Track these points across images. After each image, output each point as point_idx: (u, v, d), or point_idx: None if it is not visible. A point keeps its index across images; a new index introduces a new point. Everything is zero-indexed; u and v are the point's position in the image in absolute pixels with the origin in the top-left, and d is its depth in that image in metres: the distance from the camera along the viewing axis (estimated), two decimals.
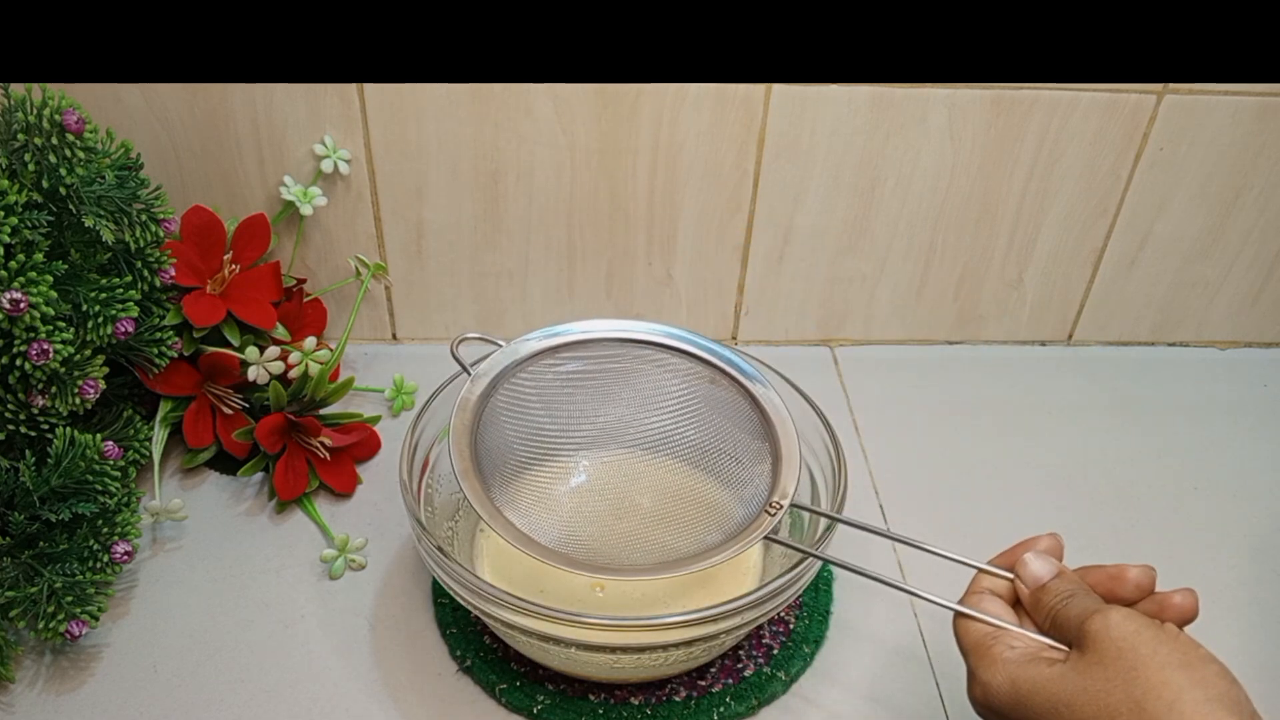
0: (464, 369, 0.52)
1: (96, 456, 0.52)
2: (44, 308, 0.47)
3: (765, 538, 0.48)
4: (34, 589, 0.50)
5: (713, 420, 0.54)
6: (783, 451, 0.51)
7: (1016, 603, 0.43)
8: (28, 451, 0.52)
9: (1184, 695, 0.35)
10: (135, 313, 0.54)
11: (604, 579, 0.47)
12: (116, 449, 0.53)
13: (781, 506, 0.48)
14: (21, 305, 0.46)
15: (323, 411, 0.63)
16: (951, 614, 0.42)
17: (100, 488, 0.52)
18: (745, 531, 0.48)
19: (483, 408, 0.51)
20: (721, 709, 0.51)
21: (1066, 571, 0.42)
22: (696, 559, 0.47)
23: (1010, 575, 0.43)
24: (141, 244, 0.55)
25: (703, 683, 0.53)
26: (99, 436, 0.52)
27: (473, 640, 0.54)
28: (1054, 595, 0.40)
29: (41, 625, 0.50)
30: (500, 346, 0.53)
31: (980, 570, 0.44)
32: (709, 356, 0.54)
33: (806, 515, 0.54)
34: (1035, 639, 0.40)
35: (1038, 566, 0.42)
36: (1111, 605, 0.39)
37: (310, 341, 0.63)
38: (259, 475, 0.64)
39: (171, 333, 0.59)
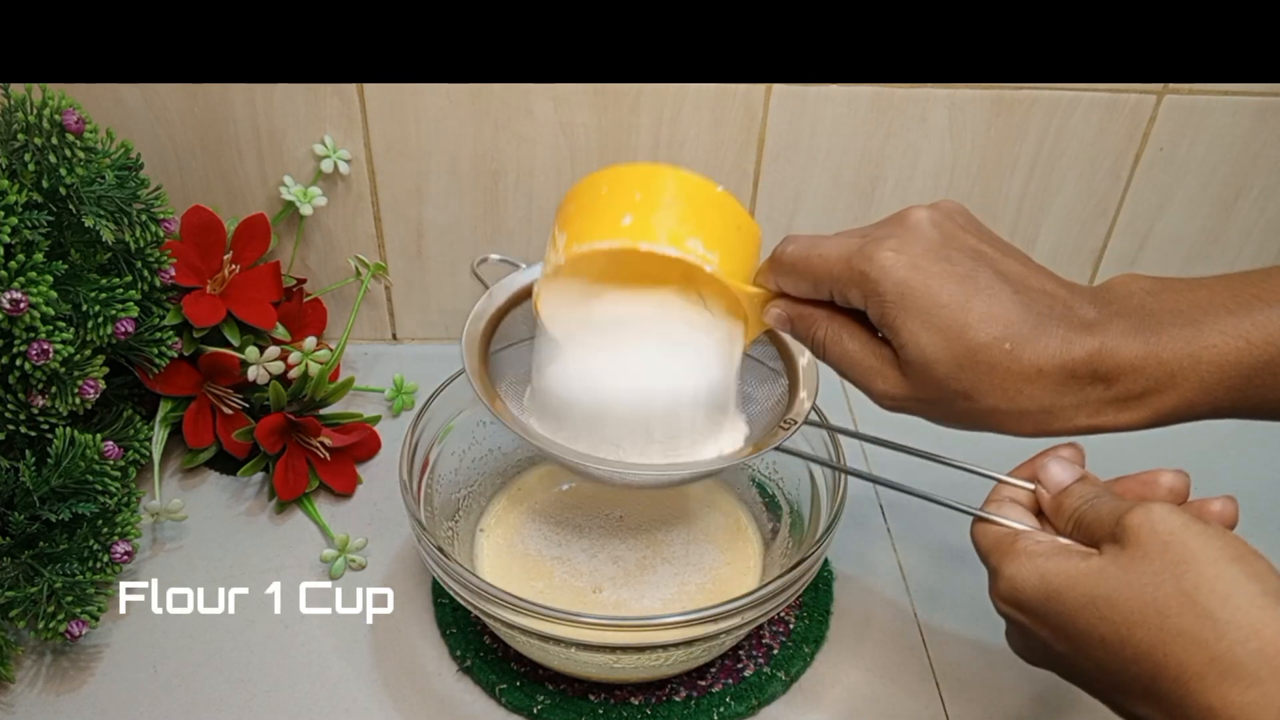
0: (483, 284, 0.52)
1: (96, 456, 0.52)
2: (44, 308, 0.47)
3: (778, 448, 0.47)
4: (34, 589, 0.50)
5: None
6: (799, 375, 0.50)
7: (1038, 513, 0.41)
8: (28, 451, 0.52)
9: (1239, 589, 0.33)
10: (135, 313, 0.54)
11: (613, 472, 0.46)
12: (116, 449, 0.53)
13: (796, 423, 0.48)
14: (21, 305, 0.46)
15: (323, 411, 0.63)
16: (970, 521, 0.41)
17: (100, 488, 0.52)
18: (759, 443, 0.48)
19: (499, 320, 0.51)
20: (721, 709, 0.51)
21: (1090, 475, 0.40)
22: (702, 464, 0.47)
23: (1030, 485, 0.42)
24: (141, 244, 0.55)
25: (703, 683, 0.53)
26: (99, 436, 0.52)
27: (473, 640, 0.54)
28: (1077, 498, 0.39)
29: (41, 625, 0.50)
30: (521, 268, 0.53)
31: (1000, 481, 0.43)
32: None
33: (807, 513, 0.54)
34: (1059, 539, 0.39)
35: (1059, 470, 0.41)
36: (1152, 501, 0.37)
37: (310, 341, 0.63)
38: (259, 475, 0.64)
39: (171, 333, 0.59)
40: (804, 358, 0.51)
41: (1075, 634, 0.36)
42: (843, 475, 0.52)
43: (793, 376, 0.51)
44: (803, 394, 0.49)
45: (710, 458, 0.47)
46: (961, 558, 0.60)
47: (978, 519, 0.41)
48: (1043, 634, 0.37)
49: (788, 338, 0.51)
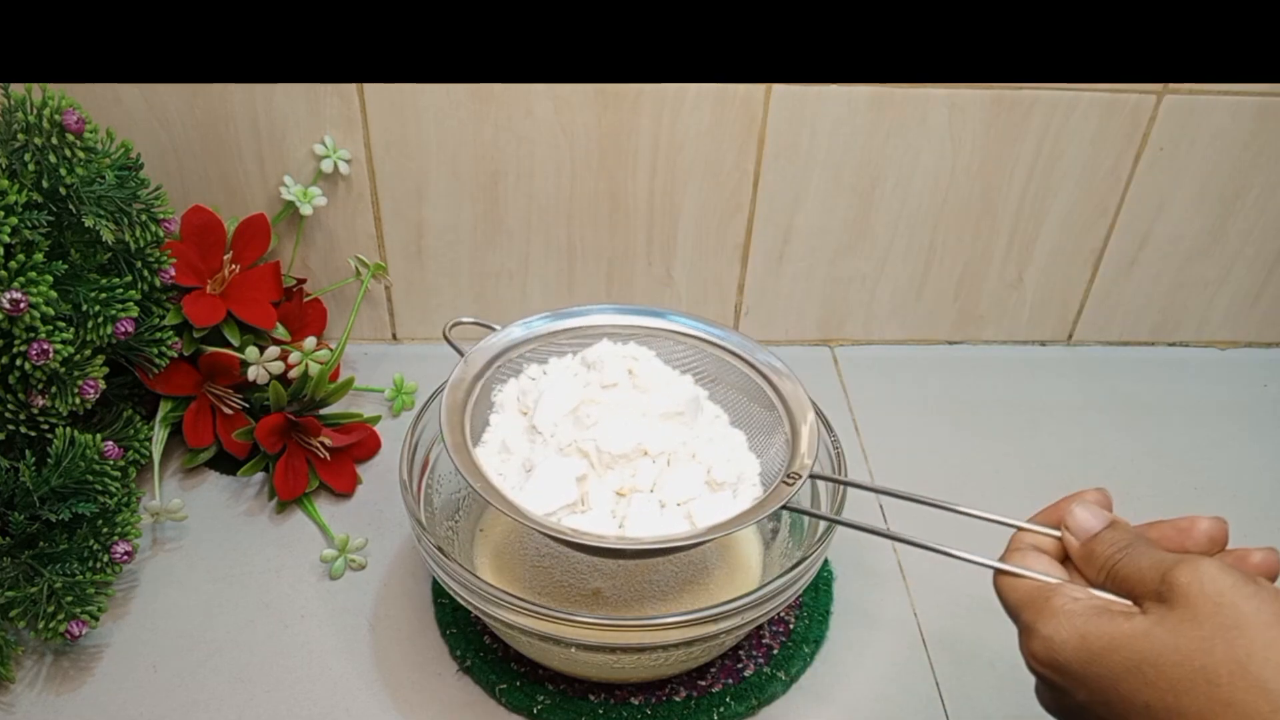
0: (457, 351, 0.51)
1: (96, 456, 0.52)
2: (44, 308, 0.47)
3: (784, 507, 0.46)
4: (34, 589, 0.50)
5: (724, 397, 0.53)
6: (797, 421, 0.50)
7: (1064, 560, 0.39)
8: (28, 451, 0.52)
9: None
10: (135, 313, 0.54)
11: (617, 545, 0.45)
12: (116, 449, 0.53)
13: (800, 476, 0.47)
14: (21, 305, 0.46)
15: (323, 411, 0.63)
16: (991, 574, 0.39)
17: (100, 488, 0.52)
18: (764, 502, 0.47)
19: (474, 388, 0.50)
20: (721, 709, 0.51)
21: (1120, 521, 0.38)
22: (706, 531, 0.46)
23: (1054, 532, 0.39)
24: (141, 244, 0.55)
25: (703, 683, 0.53)
26: (99, 436, 0.52)
27: (473, 640, 0.54)
28: (1109, 545, 0.37)
29: (41, 625, 0.50)
30: (495, 330, 0.52)
31: (1020, 528, 0.40)
32: (713, 338, 0.53)
33: (806, 517, 0.54)
34: (1096, 594, 0.36)
35: (1087, 517, 0.38)
36: (1198, 555, 0.34)
37: (310, 341, 0.63)
38: (259, 475, 0.64)
39: (171, 333, 0.59)
40: (801, 410, 0.50)
41: (1118, 699, 0.34)
42: (844, 475, 0.51)
43: (792, 428, 0.50)
44: (803, 449, 0.48)
45: (711, 524, 0.46)
46: None
47: (1000, 573, 0.38)
48: (1080, 696, 0.35)
49: (785, 390, 0.51)
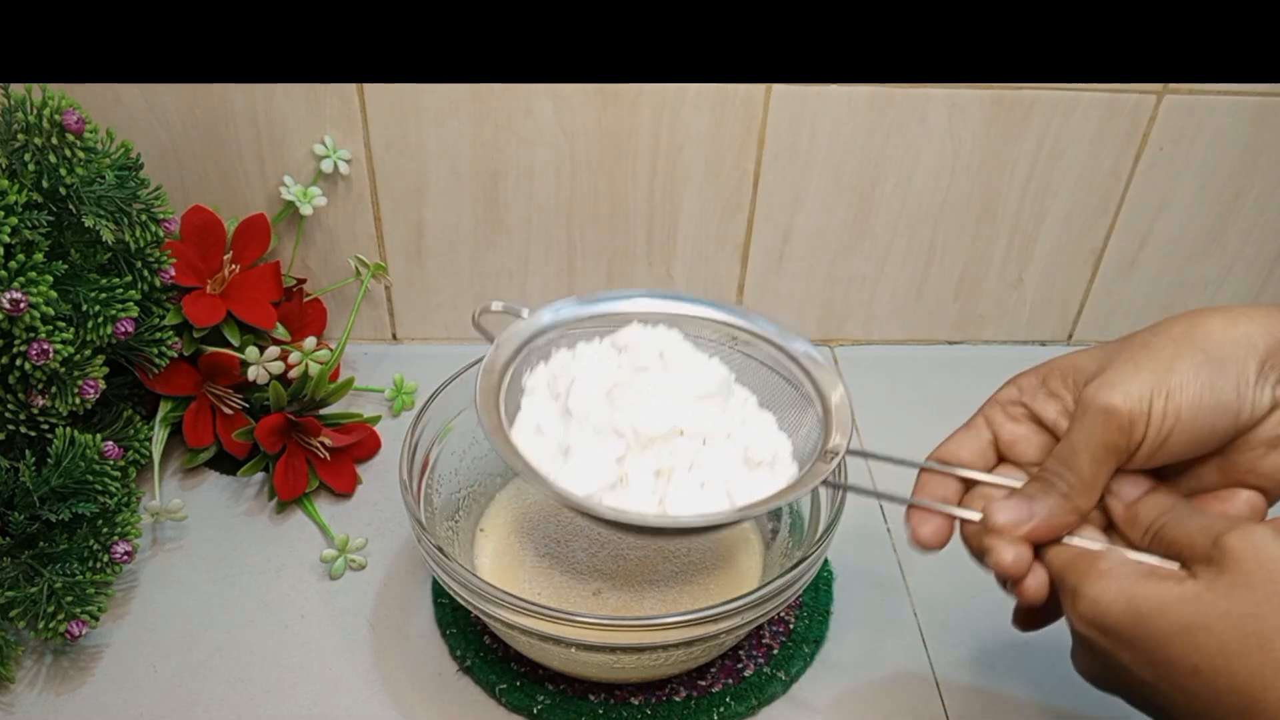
0: (487, 337, 0.51)
1: (96, 456, 0.52)
2: (44, 308, 0.47)
3: (824, 482, 0.46)
4: (34, 589, 0.50)
5: (752, 379, 0.53)
6: (829, 400, 0.49)
7: (1106, 528, 0.40)
8: (28, 451, 0.52)
9: None
10: (135, 313, 0.54)
11: (660, 524, 0.45)
12: (116, 449, 0.53)
13: (837, 453, 0.47)
14: (21, 305, 0.46)
15: (323, 411, 0.63)
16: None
17: (100, 488, 0.52)
18: (804, 478, 0.47)
19: (506, 372, 0.50)
20: (721, 709, 0.51)
21: (1161, 486, 0.39)
22: (749, 507, 0.46)
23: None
24: (141, 244, 0.55)
25: (703, 683, 0.53)
26: (99, 436, 0.52)
27: (473, 640, 0.54)
28: (1155, 509, 0.37)
29: (41, 625, 0.50)
30: (524, 315, 0.52)
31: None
32: (742, 322, 0.53)
33: (807, 513, 0.54)
34: (1143, 557, 0.37)
35: (1131, 482, 0.39)
36: (1250, 522, 0.35)
37: (310, 341, 0.63)
38: (259, 475, 0.64)
39: (171, 333, 0.59)
40: (833, 388, 0.50)
41: (1164, 661, 0.34)
42: (843, 475, 0.51)
43: (824, 406, 0.50)
44: (836, 426, 0.48)
45: (752, 500, 0.46)
46: (962, 557, 0.60)
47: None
48: (1124, 658, 0.36)
49: (815, 370, 0.51)
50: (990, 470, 0.44)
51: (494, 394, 0.49)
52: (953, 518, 0.42)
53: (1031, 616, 0.44)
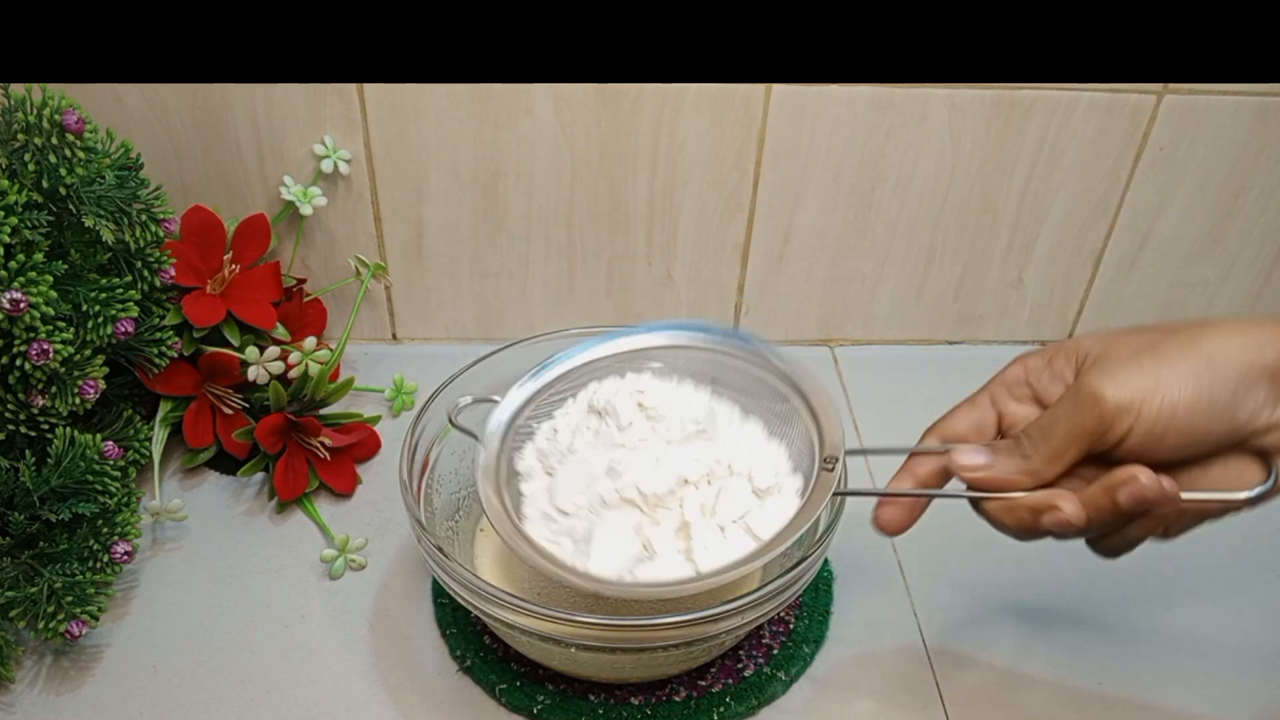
0: (471, 435, 0.50)
1: (96, 456, 0.52)
2: (44, 308, 0.47)
3: (837, 492, 0.46)
4: (34, 589, 0.50)
5: (733, 386, 0.52)
6: (818, 409, 0.49)
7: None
8: (28, 451, 0.52)
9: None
10: (135, 313, 0.54)
11: (699, 588, 0.45)
12: (116, 449, 0.53)
13: (837, 459, 0.47)
14: (21, 305, 0.46)
15: (323, 411, 0.63)
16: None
17: (100, 488, 0.52)
18: (814, 495, 0.47)
19: (500, 465, 0.49)
20: (721, 709, 0.51)
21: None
22: (774, 541, 0.45)
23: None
24: (141, 244, 0.55)
25: (703, 683, 0.53)
26: (99, 436, 0.53)
27: (473, 640, 0.54)
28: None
29: (41, 625, 0.50)
30: (496, 402, 0.51)
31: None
32: (712, 345, 0.52)
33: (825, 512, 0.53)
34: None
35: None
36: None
37: (310, 341, 0.63)
38: (259, 475, 0.64)
39: (171, 333, 0.59)
40: (819, 394, 0.50)
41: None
42: (843, 475, 0.51)
43: (814, 414, 0.49)
44: (828, 430, 0.48)
45: (775, 532, 0.46)
46: (962, 556, 0.60)
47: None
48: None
49: (801, 379, 0.51)
50: None
51: (499, 494, 0.48)
52: (917, 505, 0.45)
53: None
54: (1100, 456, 0.41)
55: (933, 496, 0.45)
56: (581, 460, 0.48)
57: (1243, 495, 0.40)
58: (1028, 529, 0.42)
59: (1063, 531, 0.41)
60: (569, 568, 0.45)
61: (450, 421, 0.51)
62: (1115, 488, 0.39)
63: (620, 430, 0.49)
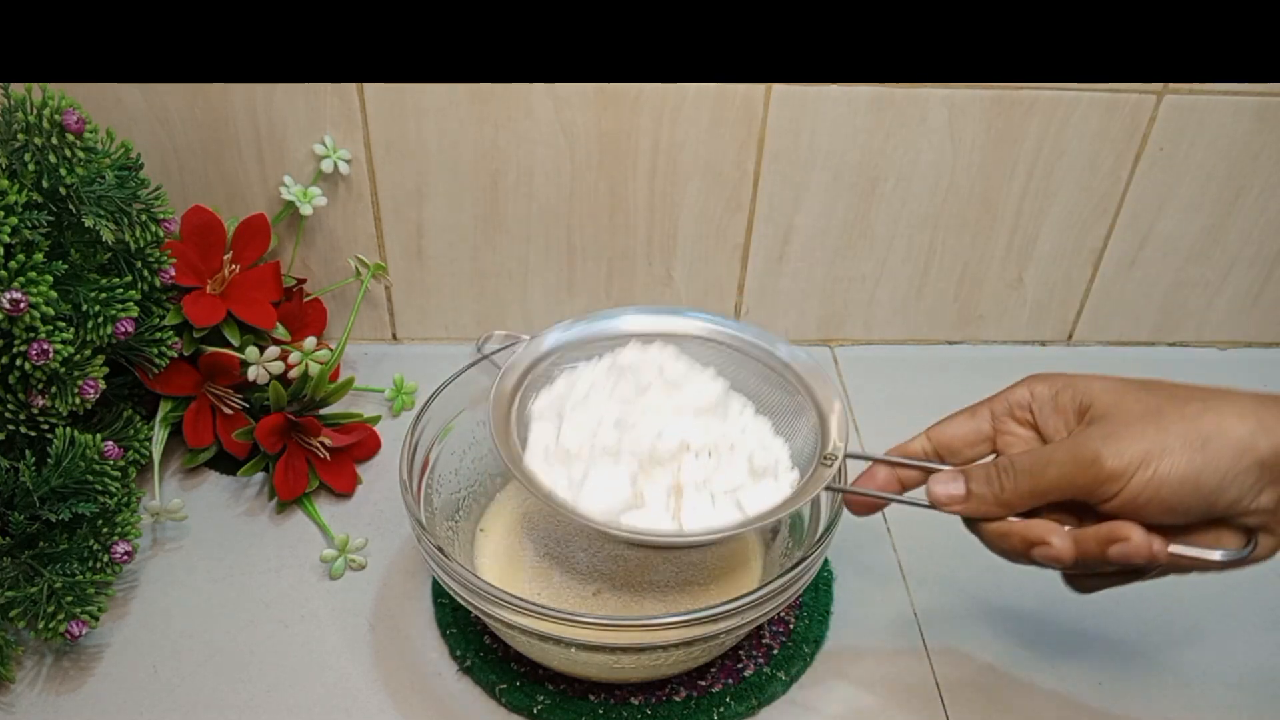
0: (494, 364, 0.52)
1: (96, 456, 0.52)
2: (44, 308, 0.47)
3: (828, 487, 0.48)
4: (34, 589, 0.50)
5: (751, 388, 0.54)
6: (824, 406, 0.51)
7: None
8: (28, 451, 0.52)
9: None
10: (135, 313, 0.54)
11: (668, 542, 0.48)
12: (116, 449, 0.53)
13: (836, 457, 0.48)
14: (21, 305, 0.46)
15: (323, 411, 0.63)
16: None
17: (100, 488, 0.52)
18: (807, 484, 0.48)
19: (514, 399, 0.51)
20: (721, 709, 0.51)
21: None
22: (759, 516, 0.47)
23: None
24: (141, 244, 0.55)
25: (703, 683, 0.53)
26: (99, 436, 0.53)
27: (473, 640, 0.54)
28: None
29: (41, 625, 0.50)
30: (524, 340, 0.53)
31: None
32: (732, 332, 0.54)
33: (807, 514, 0.54)
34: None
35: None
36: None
37: (310, 341, 0.63)
38: (259, 475, 0.64)
39: (171, 333, 0.59)
40: (825, 391, 0.52)
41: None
42: (843, 475, 0.51)
43: (819, 411, 0.51)
44: (834, 429, 0.50)
45: (762, 509, 0.48)
46: (962, 556, 0.60)
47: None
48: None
49: (808, 375, 0.52)
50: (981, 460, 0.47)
51: (506, 423, 0.50)
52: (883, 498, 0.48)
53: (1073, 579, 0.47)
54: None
55: (930, 507, 0.46)
56: (594, 409, 0.50)
57: (1218, 555, 0.41)
58: (1018, 555, 0.43)
59: (1049, 565, 0.42)
60: (559, 500, 0.47)
61: (478, 349, 0.53)
62: (1107, 542, 0.40)
63: (637, 392, 0.50)
